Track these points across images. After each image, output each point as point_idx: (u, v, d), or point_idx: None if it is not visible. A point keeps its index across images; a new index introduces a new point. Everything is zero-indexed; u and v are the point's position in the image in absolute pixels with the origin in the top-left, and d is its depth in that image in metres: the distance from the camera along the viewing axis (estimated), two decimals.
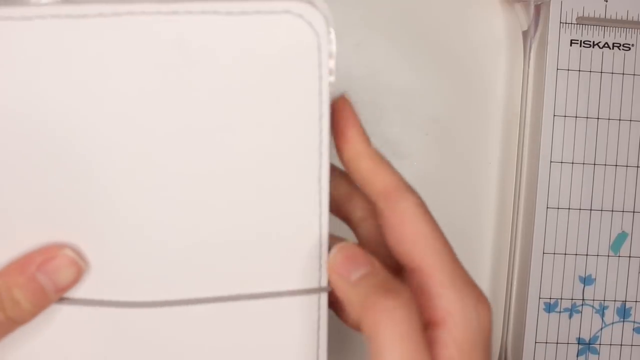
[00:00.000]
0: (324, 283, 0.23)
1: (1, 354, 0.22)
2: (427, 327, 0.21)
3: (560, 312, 0.35)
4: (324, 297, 0.23)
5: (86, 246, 0.22)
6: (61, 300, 0.22)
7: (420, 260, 0.22)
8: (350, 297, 0.21)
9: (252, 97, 0.21)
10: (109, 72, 0.20)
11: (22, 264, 0.20)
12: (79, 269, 0.21)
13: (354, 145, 0.23)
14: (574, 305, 0.35)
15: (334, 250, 0.22)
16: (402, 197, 0.22)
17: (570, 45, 0.35)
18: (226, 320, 0.23)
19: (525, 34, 0.36)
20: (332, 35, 0.21)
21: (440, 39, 0.37)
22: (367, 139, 0.23)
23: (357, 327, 0.21)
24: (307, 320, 0.23)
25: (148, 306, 0.22)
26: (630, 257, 0.35)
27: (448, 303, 0.21)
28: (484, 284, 0.37)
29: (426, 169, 0.37)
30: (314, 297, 0.23)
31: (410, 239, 0.22)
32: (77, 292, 0.22)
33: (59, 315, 0.22)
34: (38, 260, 0.20)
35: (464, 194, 0.37)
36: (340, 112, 0.22)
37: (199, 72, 0.20)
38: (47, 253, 0.21)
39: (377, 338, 0.20)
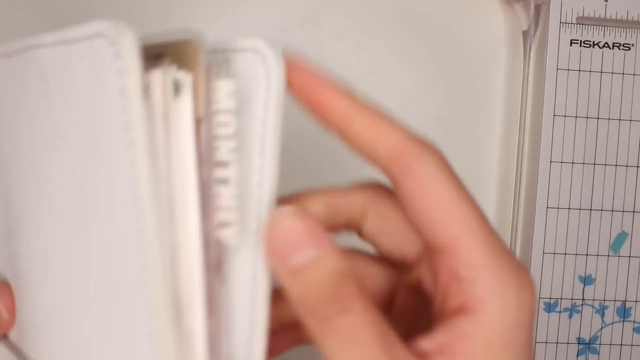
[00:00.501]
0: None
1: None
2: (457, 314, 0.17)
3: (560, 312, 0.35)
4: None
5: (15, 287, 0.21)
6: (3, 337, 0.21)
7: (448, 237, 0.17)
8: (290, 292, 0.17)
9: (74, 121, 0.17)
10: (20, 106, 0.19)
11: None
12: (8, 308, 0.20)
13: (335, 111, 0.18)
14: (574, 305, 0.35)
15: (276, 217, 0.17)
16: (416, 158, 0.18)
17: (570, 45, 0.35)
18: None
19: (525, 34, 0.36)
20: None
21: (440, 39, 0.37)
22: (350, 96, 0.18)
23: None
24: None
25: None
26: (630, 257, 0.35)
27: (482, 289, 0.17)
28: None
29: None
30: None
31: (435, 207, 0.18)
32: (11, 333, 0.21)
33: None
34: None
35: None
36: (298, 79, 0.18)
37: (50, 102, 0.18)
38: None
39: (321, 351, 0.17)
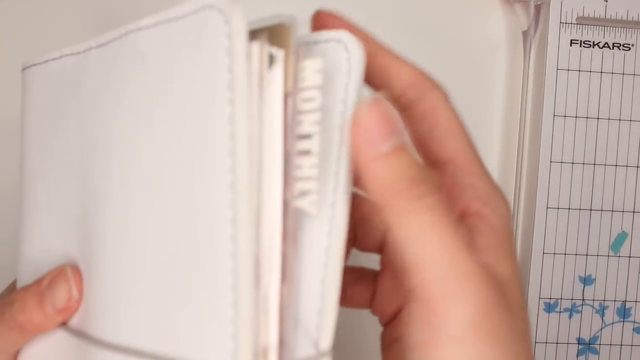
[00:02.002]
0: (325, 346, 0.18)
1: None
2: (464, 217, 0.20)
3: (560, 312, 0.35)
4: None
5: (84, 274, 0.22)
6: (63, 325, 0.22)
7: (453, 150, 0.20)
8: (376, 172, 0.17)
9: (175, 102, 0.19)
10: (111, 93, 0.21)
11: (40, 279, 0.22)
12: (70, 292, 0.21)
13: (364, 44, 0.19)
14: (574, 305, 0.35)
15: (366, 104, 0.17)
16: (432, 87, 0.21)
17: (570, 45, 0.35)
18: None
19: (525, 34, 0.36)
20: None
21: (440, 38, 0.37)
22: (372, 38, 0.21)
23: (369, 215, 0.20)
24: None
25: (109, 348, 0.20)
26: (630, 257, 0.35)
27: (483, 193, 0.20)
28: None
29: None
30: None
31: (444, 127, 0.20)
32: (73, 319, 0.22)
33: (55, 339, 0.22)
34: (50, 277, 0.22)
35: None
36: (333, 21, 0.21)
37: (150, 83, 0.19)
38: (55, 271, 0.22)
39: (406, 230, 0.17)
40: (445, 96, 0.21)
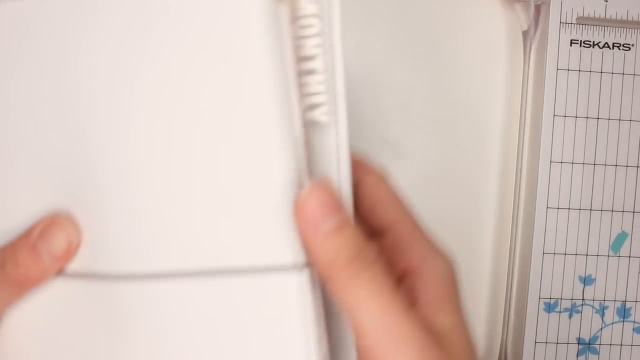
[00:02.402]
0: (300, 259, 0.21)
1: None
2: (404, 276, 0.23)
3: (560, 312, 0.35)
4: (306, 274, 0.21)
5: (84, 217, 0.22)
6: (60, 273, 0.22)
7: (393, 220, 0.23)
8: (317, 252, 0.20)
9: (213, 64, 0.21)
10: (83, 45, 0.21)
11: (28, 232, 0.22)
12: (69, 238, 0.22)
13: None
14: (574, 305, 0.35)
15: (306, 190, 0.20)
16: (367, 172, 0.24)
17: (570, 45, 0.35)
18: (209, 296, 0.22)
19: (525, 34, 0.36)
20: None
21: (440, 38, 0.37)
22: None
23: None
24: (288, 307, 0.21)
25: (135, 278, 0.22)
26: (630, 257, 0.35)
27: (421, 252, 0.23)
28: (484, 284, 0.37)
29: (426, 169, 0.37)
30: (292, 276, 0.21)
31: (384, 202, 0.24)
32: (70, 266, 0.23)
33: (55, 288, 0.23)
34: (39, 228, 0.22)
35: (464, 194, 0.37)
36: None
37: (167, 28, 0.21)
38: (46, 220, 0.22)
39: (354, 310, 0.20)
40: (381, 177, 0.24)
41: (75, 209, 0.22)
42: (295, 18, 0.21)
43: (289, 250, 0.21)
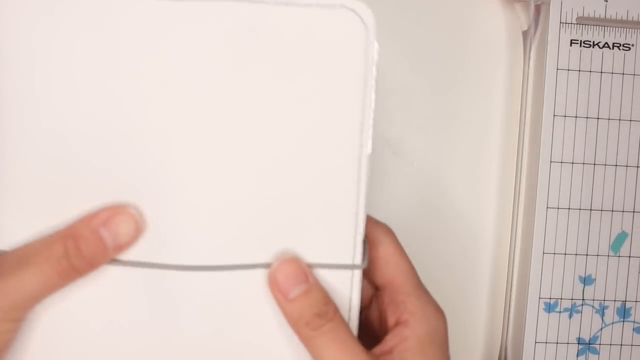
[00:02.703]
0: (357, 261, 0.26)
1: (51, 308, 0.24)
2: (395, 326, 0.26)
3: (560, 312, 0.35)
4: (357, 274, 0.26)
5: (144, 210, 0.24)
6: (113, 261, 0.24)
7: (391, 276, 0.27)
8: (286, 312, 0.25)
9: (306, 76, 0.24)
10: (190, 49, 0.23)
11: (89, 218, 0.23)
12: (138, 227, 0.24)
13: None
14: (574, 305, 0.35)
15: (275, 264, 0.25)
16: (373, 226, 0.27)
17: (570, 45, 0.35)
18: (262, 288, 0.25)
19: (525, 34, 0.36)
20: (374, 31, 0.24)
21: (440, 38, 0.37)
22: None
23: None
24: (340, 296, 0.26)
25: (196, 269, 0.25)
26: (630, 257, 0.35)
27: (411, 307, 0.26)
28: (484, 284, 0.37)
29: (426, 169, 0.37)
30: (347, 273, 0.26)
31: (384, 259, 0.27)
32: (128, 255, 0.24)
33: (110, 276, 0.24)
34: (104, 217, 0.23)
35: (464, 194, 0.37)
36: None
37: (265, 53, 0.23)
38: (111, 210, 0.23)
39: (319, 357, 0.24)
40: (383, 232, 0.27)
41: (139, 200, 0.24)
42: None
43: (349, 255, 0.26)
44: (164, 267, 0.25)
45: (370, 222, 0.27)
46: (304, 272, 0.25)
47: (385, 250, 0.27)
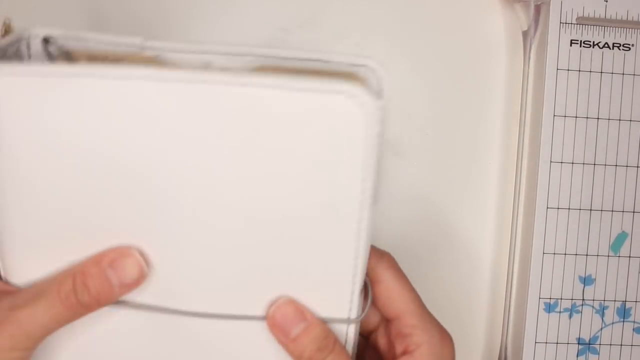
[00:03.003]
0: (353, 315, 0.26)
1: (59, 345, 0.26)
2: (402, 354, 0.28)
3: (560, 312, 0.35)
4: (352, 328, 0.27)
5: (150, 254, 0.25)
6: (118, 303, 0.25)
7: (399, 309, 0.28)
8: (290, 351, 0.26)
9: (304, 159, 0.24)
10: (185, 127, 0.23)
11: (97, 258, 0.24)
12: (142, 270, 0.25)
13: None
14: (574, 305, 0.35)
15: (273, 307, 0.26)
16: (379, 258, 0.28)
17: (570, 45, 0.35)
18: (261, 340, 0.26)
19: (525, 34, 0.36)
20: (382, 113, 0.23)
21: (440, 38, 0.37)
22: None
23: None
24: None
25: (201, 316, 0.26)
26: (630, 257, 0.35)
27: (417, 339, 0.27)
28: (484, 284, 0.37)
29: (426, 169, 0.37)
30: (342, 327, 0.27)
31: (392, 290, 0.28)
32: (135, 297, 0.26)
33: (115, 317, 0.26)
34: (110, 257, 0.24)
35: (464, 194, 0.37)
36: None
37: (262, 135, 0.23)
38: (118, 252, 0.25)
39: None
40: (385, 267, 0.28)
41: (146, 246, 0.25)
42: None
43: (345, 309, 0.26)
44: (164, 310, 0.26)
45: (373, 256, 0.28)
46: (301, 311, 0.26)
47: (387, 287, 0.28)
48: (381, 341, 0.30)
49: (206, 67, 0.25)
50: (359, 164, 0.24)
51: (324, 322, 0.26)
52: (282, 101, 0.23)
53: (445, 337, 0.28)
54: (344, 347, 0.27)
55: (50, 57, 0.25)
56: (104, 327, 0.26)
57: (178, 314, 0.26)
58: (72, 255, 0.25)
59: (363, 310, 0.27)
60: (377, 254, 0.28)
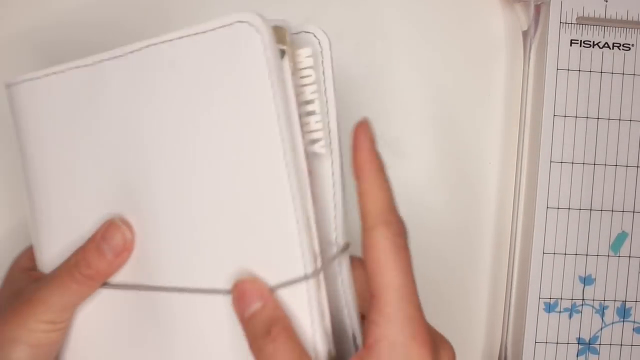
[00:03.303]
0: (309, 270, 0.24)
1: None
2: (364, 348, 0.24)
3: (560, 312, 0.35)
4: (311, 284, 0.25)
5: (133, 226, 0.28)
6: (104, 284, 0.28)
7: (374, 288, 0.24)
8: (244, 331, 0.25)
9: (221, 99, 0.25)
10: (140, 100, 0.26)
11: (92, 237, 0.27)
12: (124, 235, 0.27)
13: (360, 167, 0.25)
14: (574, 305, 0.35)
15: (236, 282, 0.25)
16: (374, 226, 0.24)
17: (570, 45, 0.35)
18: (226, 312, 0.26)
19: (525, 34, 0.36)
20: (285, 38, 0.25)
21: (440, 38, 0.37)
22: (373, 162, 0.25)
23: None
24: (301, 311, 0.25)
25: (171, 291, 0.27)
26: (630, 257, 0.35)
27: (380, 331, 0.24)
28: (484, 284, 0.37)
29: (426, 169, 0.37)
30: (301, 285, 0.25)
31: (370, 266, 0.24)
32: (116, 278, 0.28)
33: (97, 298, 0.28)
34: (101, 230, 0.27)
35: (464, 194, 0.37)
36: (357, 129, 0.25)
37: (186, 83, 0.25)
38: (106, 223, 0.27)
39: (262, 357, 0.24)
40: (384, 239, 0.24)
41: (131, 220, 0.27)
42: (295, 70, 0.26)
43: (299, 266, 0.25)
44: (140, 287, 0.27)
45: (381, 218, 0.24)
46: (259, 290, 0.25)
47: (375, 258, 0.24)
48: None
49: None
50: (267, 95, 0.24)
51: (278, 307, 0.25)
52: (195, 47, 0.25)
53: (417, 341, 0.23)
54: (289, 338, 0.24)
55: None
56: (89, 309, 0.28)
57: (151, 289, 0.27)
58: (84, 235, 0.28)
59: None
60: (384, 218, 0.24)
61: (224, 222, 0.25)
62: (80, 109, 0.28)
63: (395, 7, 0.37)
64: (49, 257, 0.29)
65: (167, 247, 0.27)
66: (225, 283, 0.26)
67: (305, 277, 0.24)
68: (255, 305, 0.25)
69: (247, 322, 0.25)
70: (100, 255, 0.27)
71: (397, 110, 0.37)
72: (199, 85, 0.25)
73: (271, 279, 0.25)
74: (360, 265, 0.27)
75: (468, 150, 0.37)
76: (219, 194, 0.25)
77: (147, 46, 0.26)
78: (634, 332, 0.36)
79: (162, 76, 0.26)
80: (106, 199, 0.28)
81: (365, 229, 0.25)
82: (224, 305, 0.26)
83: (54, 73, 0.28)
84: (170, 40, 0.25)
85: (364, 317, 0.26)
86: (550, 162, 0.35)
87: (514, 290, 0.36)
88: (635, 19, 0.35)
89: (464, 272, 0.37)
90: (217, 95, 0.25)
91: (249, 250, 0.25)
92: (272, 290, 0.25)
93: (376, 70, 0.37)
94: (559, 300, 0.35)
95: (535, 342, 0.35)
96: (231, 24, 0.24)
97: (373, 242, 0.24)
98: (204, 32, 0.25)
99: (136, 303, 0.28)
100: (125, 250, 0.27)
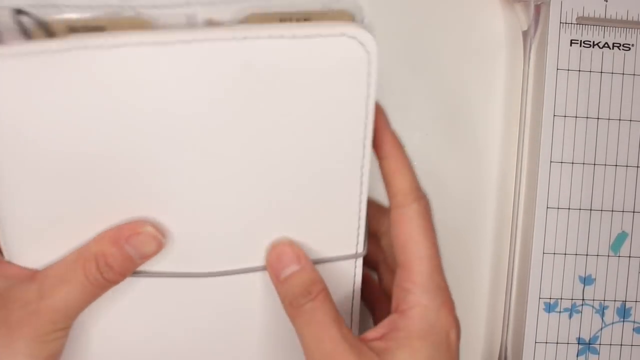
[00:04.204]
0: (360, 249, 0.27)
1: (90, 325, 0.28)
2: (394, 312, 0.26)
3: (560, 312, 0.35)
4: (359, 262, 0.27)
5: (164, 221, 0.26)
6: (136, 273, 0.26)
7: (405, 260, 0.26)
8: (279, 292, 0.26)
9: (309, 103, 0.24)
10: (187, 89, 0.23)
11: (113, 236, 0.25)
12: (159, 242, 0.25)
13: (386, 147, 0.27)
14: (574, 305, 0.35)
15: (270, 248, 0.26)
16: (407, 203, 0.26)
17: (570, 45, 0.35)
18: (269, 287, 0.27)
19: (525, 34, 0.36)
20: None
21: (440, 38, 0.37)
22: (397, 143, 0.27)
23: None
24: (345, 285, 0.28)
25: (209, 276, 0.27)
26: (630, 257, 0.35)
27: (414, 299, 0.26)
28: (484, 284, 0.37)
29: (426, 169, 0.37)
30: (350, 263, 0.27)
31: (402, 239, 0.26)
32: (152, 267, 0.26)
33: (136, 288, 0.27)
34: (126, 234, 0.25)
35: (464, 194, 0.37)
36: (378, 117, 0.26)
37: (266, 87, 0.24)
38: (133, 228, 0.25)
39: (301, 336, 0.25)
40: (414, 213, 0.26)
41: (158, 214, 0.25)
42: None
43: (352, 245, 0.27)
44: (180, 275, 0.27)
45: (409, 195, 0.27)
46: (297, 254, 0.26)
47: (407, 231, 0.26)
48: (386, 277, 0.30)
49: (191, 21, 0.24)
50: (362, 102, 0.25)
51: (315, 270, 0.26)
52: (284, 50, 0.23)
53: (446, 307, 0.26)
54: (329, 301, 0.26)
55: (25, 31, 0.23)
56: (127, 300, 0.27)
57: (192, 276, 0.26)
58: (81, 233, 0.25)
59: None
60: (415, 195, 0.27)
61: (287, 197, 0.26)
62: (84, 95, 0.24)
63: (395, 7, 0.37)
64: (30, 250, 0.26)
65: (210, 231, 0.26)
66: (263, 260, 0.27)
67: (357, 256, 0.27)
68: (293, 267, 0.26)
69: (283, 283, 0.26)
70: (126, 260, 0.26)
71: (397, 110, 0.37)
72: (283, 90, 0.24)
73: (323, 252, 0.27)
74: None
75: (468, 150, 0.37)
76: (287, 168, 0.25)
77: (208, 40, 0.23)
78: (634, 332, 0.36)
79: (236, 76, 0.23)
80: (123, 182, 0.25)
81: (397, 206, 0.26)
82: (260, 281, 0.27)
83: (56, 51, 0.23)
84: (244, 38, 0.23)
85: None
86: (550, 162, 0.35)
87: (514, 290, 0.36)
88: (635, 19, 0.35)
89: (464, 272, 0.37)
90: (305, 102, 0.24)
91: (306, 226, 0.26)
92: (318, 263, 0.26)
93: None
94: (559, 300, 0.35)
95: (535, 342, 0.35)
96: (336, 35, 0.23)
97: (406, 218, 0.26)
98: (293, 37, 0.23)
99: (172, 292, 0.27)
100: (156, 253, 0.26)
